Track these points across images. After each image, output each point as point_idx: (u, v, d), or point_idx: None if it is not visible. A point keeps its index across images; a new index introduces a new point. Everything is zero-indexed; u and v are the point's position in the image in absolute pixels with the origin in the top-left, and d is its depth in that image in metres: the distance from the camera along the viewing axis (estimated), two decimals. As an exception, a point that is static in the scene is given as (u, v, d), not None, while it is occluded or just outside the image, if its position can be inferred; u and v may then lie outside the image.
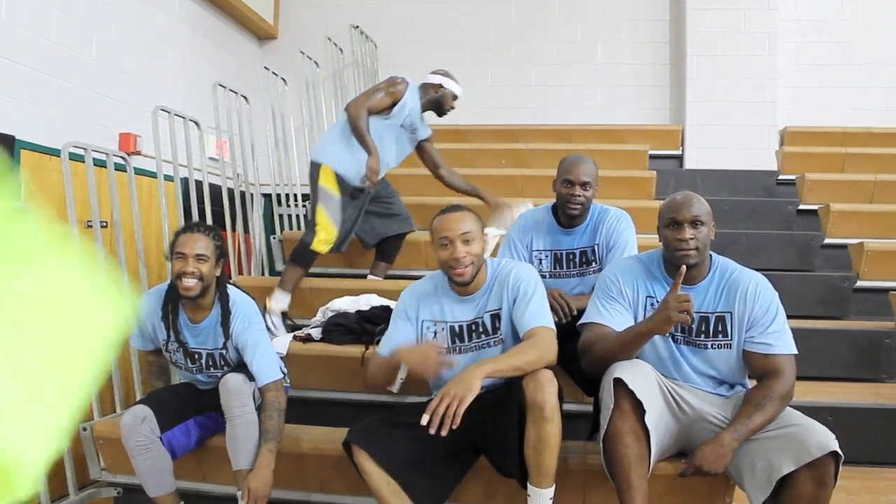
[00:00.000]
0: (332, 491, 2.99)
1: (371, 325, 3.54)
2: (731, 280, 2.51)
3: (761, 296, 2.47)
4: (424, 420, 2.24)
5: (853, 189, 5.29)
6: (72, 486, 3.17)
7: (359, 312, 3.63)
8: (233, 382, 2.75)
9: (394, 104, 4.01)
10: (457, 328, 2.66)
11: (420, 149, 4.33)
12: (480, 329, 2.65)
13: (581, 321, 2.61)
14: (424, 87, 4.16)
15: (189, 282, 2.74)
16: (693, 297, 2.41)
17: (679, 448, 2.53)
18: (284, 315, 3.92)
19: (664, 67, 7.18)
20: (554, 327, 2.54)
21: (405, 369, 3.30)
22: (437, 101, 4.17)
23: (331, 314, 3.69)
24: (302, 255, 3.97)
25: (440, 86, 4.15)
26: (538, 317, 2.52)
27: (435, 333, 2.67)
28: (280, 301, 3.93)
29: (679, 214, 2.45)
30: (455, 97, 4.19)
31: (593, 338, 2.51)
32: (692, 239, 2.43)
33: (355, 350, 3.46)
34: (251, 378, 2.81)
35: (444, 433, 2.23)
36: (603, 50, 7.28)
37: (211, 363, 2.93)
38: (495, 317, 2.63)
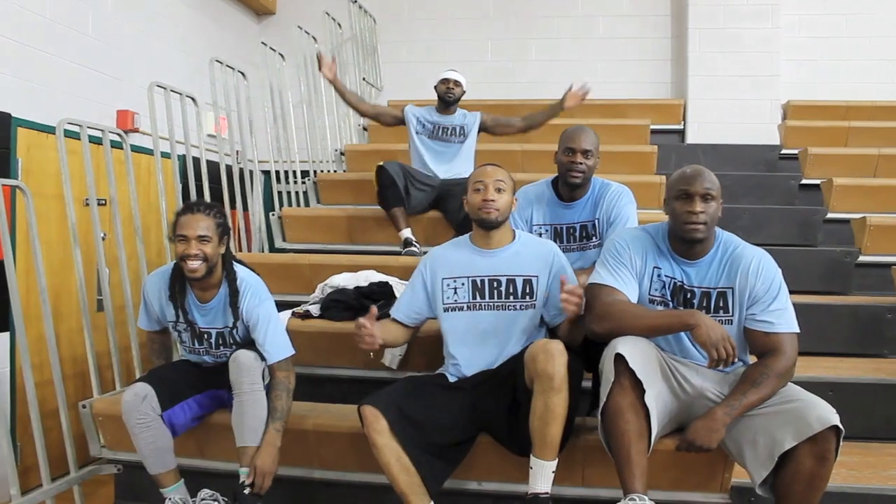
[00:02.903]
0: (333, 467, 2.99)
1: (369, 301, 3.52)
2: (734, 255, 2.49)
3: (764, 272, 2.44)
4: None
5: (856, 163, 5.26)
6: (72, 463, 3.17)
7: (357, 289, 3.62)
8: (244, 359, 2.74)
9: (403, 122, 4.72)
10: (478, 281, 2.73)
11: (492, 133, 4.76)
12: (507, 289, 2.70)
13: (591, 281, 2.58)
14: None
15: (193, 264, 2.72)
16: (694, 273, 2.48)
17: (679, 424, 2.52)
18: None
19: (666, 41, 7.11)
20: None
21: (403, 346, 3.32)
22: (438, 95, 4.61)
23: (329, 290, 3.68)
24: None
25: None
26: None
27: (455, 290, 2.74)
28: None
29: (691, 187, 2.42)
30: (443, 81, 4.61)
31: (612, 304, 2.47)
32: (702, 213, 2.40)
33: (354, 326, 3.44)
34: (262, 356, 2.80)
35: None
36: (603, 24, 7.21)
37: (221, 342, 2.91)
38: (528, 282, 2.70)
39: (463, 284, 2.74)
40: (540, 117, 4.64)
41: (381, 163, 4.39)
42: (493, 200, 2.67)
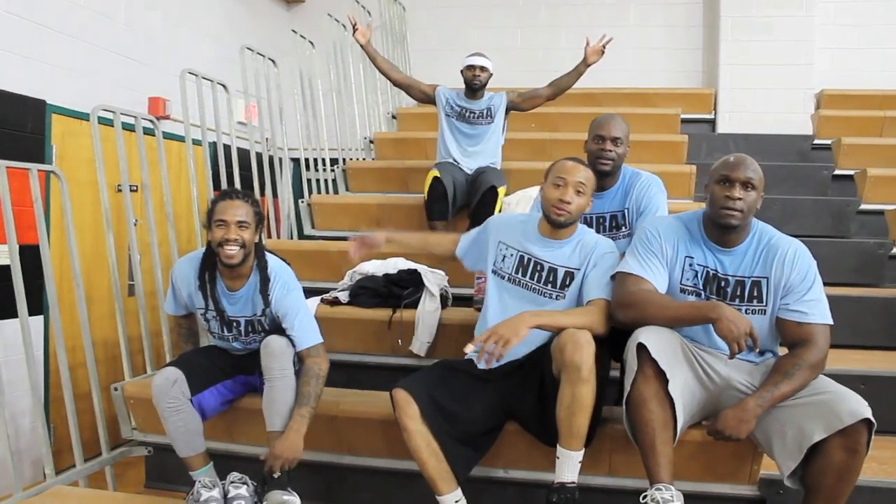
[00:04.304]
0: (361, 453, 3.02)
1: (398, 288, 3.54)
2: (769, 245, 2.46)
3: (799, 263, 2.42)
4: (469, 349, 2.36)
5: (891, 154, 5.17)
6: (104, 444, 3.23)
7: (386, 276, 3.63)
8: (276, 345, 2.76)
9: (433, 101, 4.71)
10: (525, 259, 2.74)
11: (521, 109, 4.72)
12: (547, 276, 2.70)
13: (618, 269, 2.58)
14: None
15: (232, 249, 2.73)
16: (729, 261, 2.47)
17: (708, 415, 2.50)
18: None
19: (697, 29, 7.03)
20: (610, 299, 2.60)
21: (431, 333, 3.33)
22: (465, 81, 4.57)
23: (358, 277, 3.70)
24: None
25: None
26: (604, 289, 2.60)
27: (504, 258, 2.77)
28: None
29: (733, 173, 2.40)
30: (469, 67, 4.54)
31: (637, 293, 2.47)
32: (740, 200, 2.38)
33: (382, 313, 3.46)
34: (293, 342, 2.83)
35: (486, 366, 2.37)
36: (635, 12, 7.15)
37: (250, 329, 2.93)
38: (569, 274, 2.69)
39: (512, 255, 2.76)
40: (566, 80, 4.59)
41: (437, 174, 4.31)
42: (568, 203, 2.63)
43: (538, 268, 2.72)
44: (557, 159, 2.78)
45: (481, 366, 2.36)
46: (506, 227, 2.85)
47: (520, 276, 2.73)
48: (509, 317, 2.56)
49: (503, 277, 2.77)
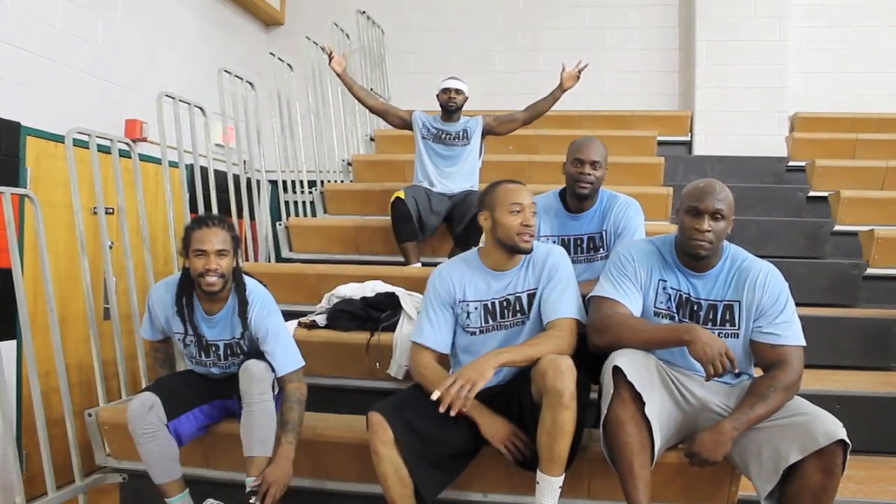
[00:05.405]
0: (339, 478, 2.99)
1: (376, 311, 3.52)
2: (741, 268, 2.48)
3: (771, 286, 2.44)
4: (435, 396, 2.35)
5: (864, 175, 5.24)
6: (77, 471, 3.18)
7: (364, 299, 3.62)
8: (255, 369, 2.74)
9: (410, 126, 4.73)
10: (490, 306, 2.69)
11: (498, 133, 4.73)
12: (516, 308, 2.68)
13: (593, 293, 2.58)
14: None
15: (212, 278, 2.72)
16: (701, 285, 2.48)
17: (685, 437, 2.51)
18: None
19: (673, 52, 7.12)
20: (577, 316, 2.58)
21: (409, 357, 3.31)
22: (440, 104, 4.59)
23: (336, 300, 3.68)
24: None
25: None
26: (564, 307, 2.58)
27: (468, 314, 2.70)
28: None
29: (702, 204, 2.41)
30: (444, 90, 4.58)
31: (612, 317, 2.48)
32: (709, 232, 2.39)
33: (360, 336, 3.44)
34: (272, 367, 2.80)
35: (452, 413, 2.34)
36: (611, 35, 7.22)
37: (229, 352, 2.91)
38: (532, 296, 2.67)
39: (476, 309, 2.69)
40: (542, 105, 4.59)
41: (400, 194, 4.30)
42: (531, 226, 2.60)
43: (504, 304, 2.69)
44: (494, 182, 2.74)
45: (453, 413, 2.33)
46: (455, 282, 2.71)
47: (490, 322, 2.69)
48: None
49: (473, 333, 2.70)
